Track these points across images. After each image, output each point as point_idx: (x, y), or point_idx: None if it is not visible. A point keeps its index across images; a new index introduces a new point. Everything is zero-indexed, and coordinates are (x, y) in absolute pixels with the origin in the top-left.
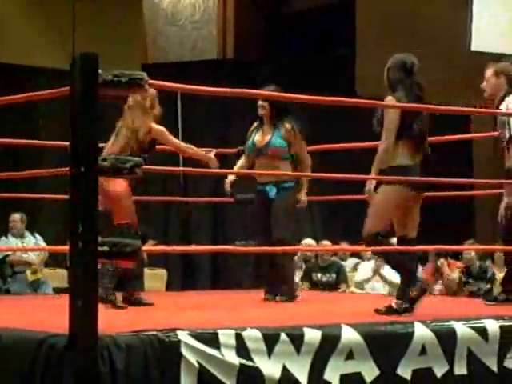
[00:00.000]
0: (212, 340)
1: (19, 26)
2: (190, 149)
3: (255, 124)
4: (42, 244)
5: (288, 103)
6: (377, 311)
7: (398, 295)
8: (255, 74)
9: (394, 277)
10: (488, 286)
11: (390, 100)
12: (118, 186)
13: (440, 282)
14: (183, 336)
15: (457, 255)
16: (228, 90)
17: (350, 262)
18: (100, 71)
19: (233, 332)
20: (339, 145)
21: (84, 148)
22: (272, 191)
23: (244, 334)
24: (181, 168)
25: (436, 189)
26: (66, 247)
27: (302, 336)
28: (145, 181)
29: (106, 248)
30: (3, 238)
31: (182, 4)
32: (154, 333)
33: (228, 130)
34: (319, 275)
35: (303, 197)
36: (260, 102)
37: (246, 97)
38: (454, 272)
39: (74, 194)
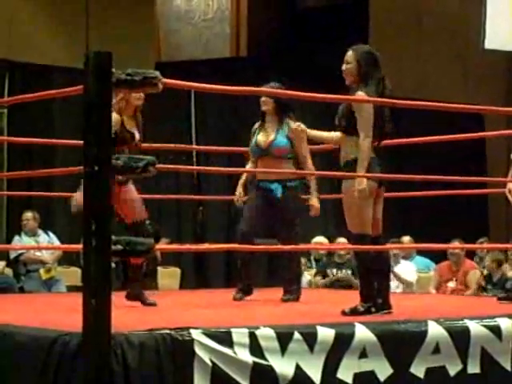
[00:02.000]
0: (225, 338)
1: (33, 23)
2: None
3: (257, 124)
4: (56, 242)
5: (291, 100)
6: (342, 312)
7: (362, 295)
8: (268, 72)
9: (408, 275)
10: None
11: (362, 95)
12: None
13: (455, 279)
14: (196, 334)
15: (471, 254)
16: (241, 88)
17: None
18: (113, 70)
19: (246, 330)
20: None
21: (97, 147)
22: (278, 190)
23: (257, 332)
24: (194, 167)
25: (450, 187)
26: (80, 246)
27: (315, 334)
28: (158, 179)
29: (119, 247)
30: (17, 237)
31: (196, 2)
32: (168, 331)
33: (241, 128)
34: (334, 271)
35: (316, 203)
36: (263, 98)
37: (258, 95)
38: (473, 273)
39: (87, 192)
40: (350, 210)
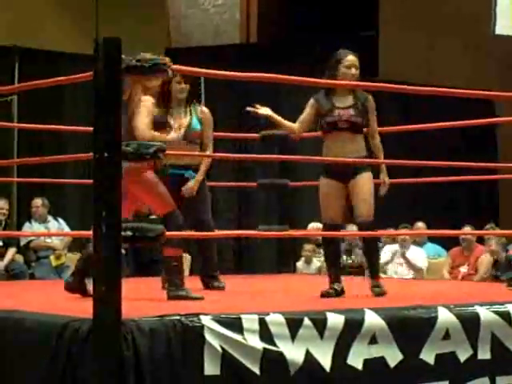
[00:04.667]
0: (235, 325)
1: (42, 10)
2: None
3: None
4: (66, 229)
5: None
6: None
7: (377, 275)
8: (279, 57)
9: (418, 261)
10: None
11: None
12: None
13: (467, 264)
14: (206, 321)
15: (480, 239)
16: (250, 74)
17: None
18: (123, 56)
19: (256, 317)
20: None
21: (107, 133)
22: (192, 176)
23: (267, 318)
24: (203, 153)
25: (460, 173)
26: (90, 232)
27: (325, 320)
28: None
29: (129, 233)
30: (27, 224)
31: None
32: (178, 317)
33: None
34: (344, 257)
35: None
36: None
37: (268, 81)
38: (484, 257)
39: (97, 179)
40: (367, 199)
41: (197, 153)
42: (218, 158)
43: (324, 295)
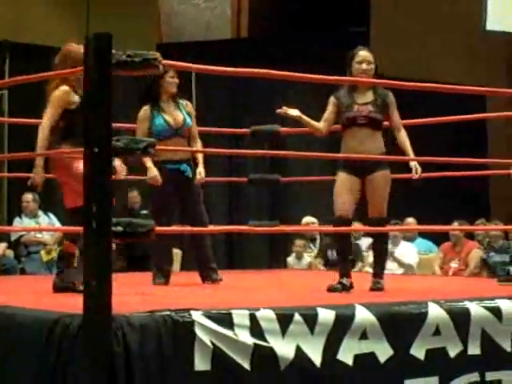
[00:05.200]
0: (226, 320)
1: (33, 4)
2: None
3: (147, 106)
4: (57, 224)
5: None
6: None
7: (382, 273)
8: (270, 52)
9: (408, 257)
10: (508, 260)
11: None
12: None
13: (457, 259)
14: (197, 316)
15: (471, 235)
16: (241, 69)
17: (363, 242)
18: (114, 51)
19: (246, 312)
20: None
21: (98, 128)
22: (187, 170)
23: (258, 314)
24: (194, 149)
25: (451, 169)
26: (80, 228)
27: (315, 316)
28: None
29: (119, 228)
30: (17, 219)
31: None
32: (168, 313)
33: (243, 109)
34: (335, 253)
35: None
36: (176, 80)
37: (260, 76)
38: (475, 252)
39: (87, 174)
40: (384, 196)
41: (196, 148)
42: (209, 154)
43: (330, 290)
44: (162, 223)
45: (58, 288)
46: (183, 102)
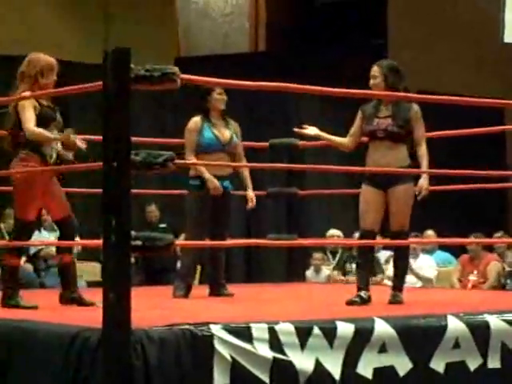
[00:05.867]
0: (245, 334)
1: (50, 18)
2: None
3: (198, 118)
4: (76, 238)
5: None
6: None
7: (402, 287)
8: (287, 66)
9: (427, 270)
10: None
11: (418, 109)
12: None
13: (476, 272)
14: (216, 330)
15: (490, 248)
16: (259, 83)
17: (382, 255)
18: (132, 66)
19: (265, 326)
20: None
21: (116, 143)
22: (229, 187)
23: (277, 327)
24: (212, 162)
25: (469, 181)
26: (100, 241)
27: (334, 329)
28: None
29: (138, 242)
30: (36, 232)
31: None
32: (187, 326)
33: (261, 122)
34: (354, 266)
35: (252, 195)
36: (224, 96)
37: (278, 90)
38: (494, 265)
39: (106, 188)
40: (405, 210)
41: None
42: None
43: (349, 303)
44: (199, 236)
45: (65, 300)
46: (231, 121)
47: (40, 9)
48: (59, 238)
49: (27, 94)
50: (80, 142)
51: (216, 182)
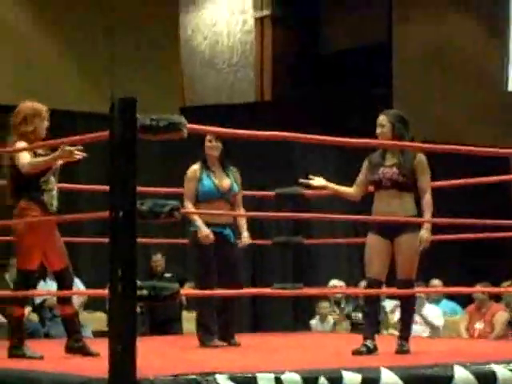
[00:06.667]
0: (251, 383)
1: (56, 69)
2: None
3: (197, 166)
4: (81, 287)
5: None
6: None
7: (408, 336)
8: (293, 116)
9: (434, 319)
10: None
11: (423, 158)
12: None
13: (482, 320)
14: (222, 379)
15: (497, 297)
16: (265, 133)
17: (387, 304)
18: (138, 116)
19: (272, 376)
20: None
21: (122, 192)
22: (230, 234)
23: (283, 377)
24: (218, 211)
25: (475, 230)
26: (106, 291)
27: (340, 379)
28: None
29: (144, 292)
30: (41, 282)
31: (220, 47)
32: (193, 376)
33: (267, 172)
34: (360, 315)
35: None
36: (214, 143)
37: (283, 140)
38: (500, 315)
39: (112, 238)
40: (411, 259)
41: (214, 211)
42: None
43: (354, 353)
44: (207, 286)
45: (70, 350)
46: (233, 168)
47: (44, 58)
48: (58, 289)
49: (23, 145)
50: (76, 151)
51: (206, 231)
